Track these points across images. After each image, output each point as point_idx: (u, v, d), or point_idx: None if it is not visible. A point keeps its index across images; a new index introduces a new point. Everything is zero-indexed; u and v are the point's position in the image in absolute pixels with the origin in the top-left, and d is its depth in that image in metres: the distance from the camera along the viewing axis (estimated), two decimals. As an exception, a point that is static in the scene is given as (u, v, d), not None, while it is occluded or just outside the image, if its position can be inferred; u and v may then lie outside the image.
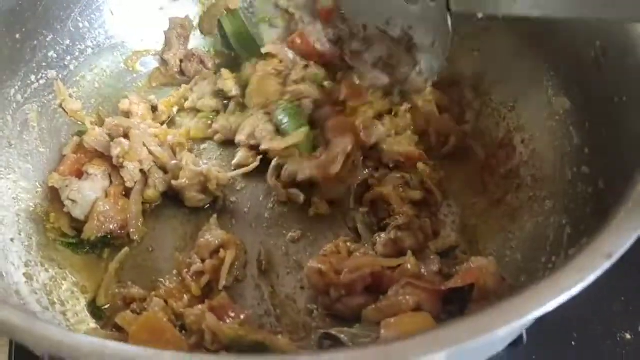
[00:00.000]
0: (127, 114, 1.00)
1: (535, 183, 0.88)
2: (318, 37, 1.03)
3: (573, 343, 0.85)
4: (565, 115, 0.86)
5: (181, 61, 1.07)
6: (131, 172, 0.89)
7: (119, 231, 0.88)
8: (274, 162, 0.92)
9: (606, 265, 0.50)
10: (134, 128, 0.92)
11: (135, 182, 0.90)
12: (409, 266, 0.75)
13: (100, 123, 0.97)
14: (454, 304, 0.74)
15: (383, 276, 0.74)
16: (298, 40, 1.03)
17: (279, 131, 0.94)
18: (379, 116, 0.99)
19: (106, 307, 0.81)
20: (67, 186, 0.89)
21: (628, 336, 0.86)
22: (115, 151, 0.89)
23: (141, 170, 0.91)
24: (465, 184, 0.95)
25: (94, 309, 0.81)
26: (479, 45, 1.02)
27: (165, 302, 0.76)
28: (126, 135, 0.92)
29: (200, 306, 0.72)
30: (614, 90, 0.76)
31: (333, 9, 1.01)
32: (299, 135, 0.92)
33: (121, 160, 0.89)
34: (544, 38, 0.89)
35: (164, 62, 1.09)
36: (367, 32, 0.99)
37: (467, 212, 0.92)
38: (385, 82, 1.00)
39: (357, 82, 1.00)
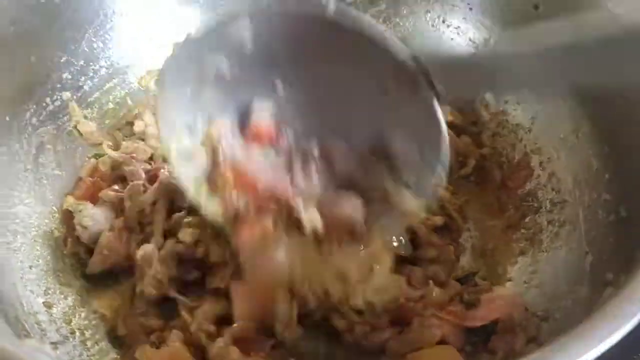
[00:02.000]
0: (141, 136, 0.99)
1: (553, 207, 0.88)
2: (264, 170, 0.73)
3: (589, 366, 0.84)
4: (584, 138, 0.86)
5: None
6: (130, 218, 0.86)
7: (124, 263, 0.85)
8: None
9: (640, 313, 0.49)
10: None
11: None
12: (434, 294, 0.74)
13: (116, 146, 0.97)
14: (478, 335, 0.74)
15: (407, 307, 0.73)
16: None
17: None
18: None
19: (126, 336, 0.80)
20: (80, 211, 0.87)
21: (644, 358, 0.85)
22: (126, 193, 0.87)
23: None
24: (482, 206, 0.95)
25: (114, 338, 0.80)
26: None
27: (184, 332, 0.75)
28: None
29: (222, 338, 0.71)
30: (636, 117, 0.76)
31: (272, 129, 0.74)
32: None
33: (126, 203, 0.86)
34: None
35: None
36: (325, 147, 0.75)
37: (485, 235, 0.91)
38: (358, 209, 0.72)
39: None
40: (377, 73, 0.67)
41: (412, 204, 0.71)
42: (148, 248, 0.80)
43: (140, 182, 0.87)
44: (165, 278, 0.78)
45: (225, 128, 0.74)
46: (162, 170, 0.87)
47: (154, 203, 0.84)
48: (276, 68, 0.72)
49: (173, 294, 0.79)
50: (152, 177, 0.89)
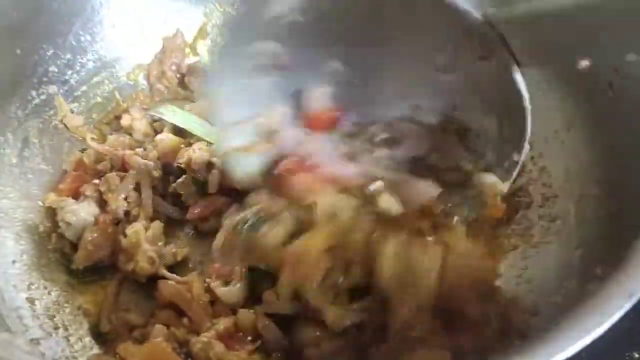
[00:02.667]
0: (128, 130, 0.99)
1: (545, 202, 0.87)
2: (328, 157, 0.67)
3: (580, 363, 0.84)
4: (575, 133, 0.85)
5: (183, 75, 1.05)
6: (114, 210, 0.86)
7: (109, 258, 0.85)
8: None
9: (628, 305, 0.49)
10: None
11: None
12: None
13: (102, 139, 0.96)
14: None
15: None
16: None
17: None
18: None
19: (109, 332, 0.79)
20: (62, 208, 0.86)
21: (636, 355, 0.85)
22: (102, 187, 0.87)
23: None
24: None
25: (98, 334, 0.79)
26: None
27: (167, 327, 0.75)
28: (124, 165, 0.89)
29: (207, 333, 0.70)
30: (626, 112, 0.75)
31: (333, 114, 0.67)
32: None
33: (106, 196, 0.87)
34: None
35: (162, 73, 1.07)
36: (391, 128, 0.69)
37: (477, 230, 0.91)
38: (434, 195, 0.66)
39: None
40: (445, 40, 0.60)
41: (494, 185, 0.65)
42: (137, 226, 0.82)
43: (114, 173, 0.88)
44: (156, 255, 0.79)
45: (283, 116, 0.69)
46: (129, 155, 0.89)
47: (136, 188, 0.85)
48: (332, 48, 0.65)
49: (163, 271, 0.80)
50: (123, 166, 0.90)
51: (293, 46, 0.65)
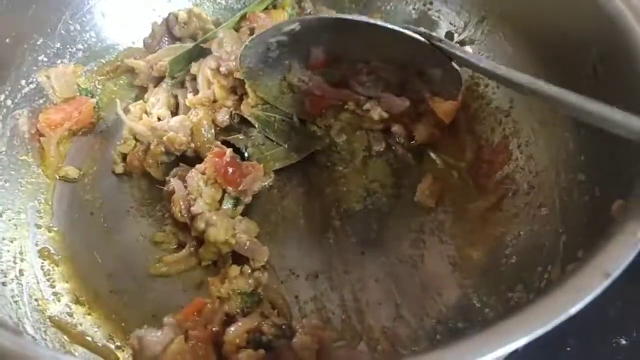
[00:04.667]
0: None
1: (531, 189, 0.88)
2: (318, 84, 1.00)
3: (568, 349, 0.85)
4: (560, 121, 0.86)
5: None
6: None
7: None
8: None
9: (605, 284, 0.49)
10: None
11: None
12: None
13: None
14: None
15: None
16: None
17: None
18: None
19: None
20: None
21: (623, 342, 0.86)
22: None
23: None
24: (460, 190, 0.95)
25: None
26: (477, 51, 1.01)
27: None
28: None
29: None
30: (611, 99, 0.75)
31: (324, 59, 0.99)
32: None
33: None
34: (540, 45, 0.88)
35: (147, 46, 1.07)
36: (371, 65, 0.99)
37: (464, 217, 0.92)
38: (407, 105, 0.99)
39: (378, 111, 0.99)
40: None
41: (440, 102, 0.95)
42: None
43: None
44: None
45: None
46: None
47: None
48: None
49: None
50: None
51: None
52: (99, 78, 1.03)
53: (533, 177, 0.88)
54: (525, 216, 0.86)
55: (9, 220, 0.86)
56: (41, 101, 0.96)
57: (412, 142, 1.01)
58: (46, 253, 0.86)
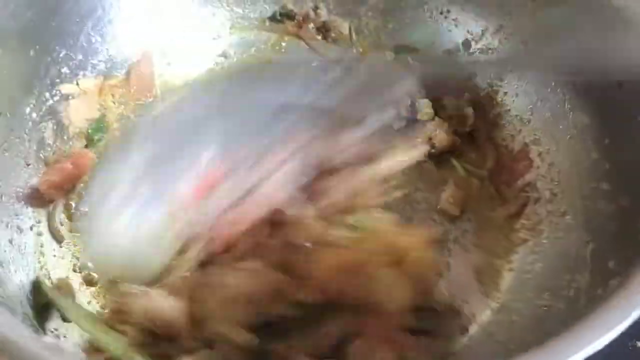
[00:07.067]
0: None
1: (553, 197, 0.89)
2: None
3: (584, 353, 0.86)
4: (583, 130, 0.87)
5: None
6: None
7: None
8: None
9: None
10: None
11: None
12: None
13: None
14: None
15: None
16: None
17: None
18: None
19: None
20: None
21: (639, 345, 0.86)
22: None
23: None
24: (482, 198, 0.96)
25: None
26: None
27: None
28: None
29: None
30: (635, 109, 0.76)
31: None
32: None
33: None
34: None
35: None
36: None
37: (485, 226, 0.93)
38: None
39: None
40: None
41: None
42: None
43: None
44: None
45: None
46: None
47: None
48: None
49: None
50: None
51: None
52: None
53: (555, 184, 0.89)
54: (549, 224, 0.87)
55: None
56: (65, 113, 0.96)
57: (432, 150, 1.01)
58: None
